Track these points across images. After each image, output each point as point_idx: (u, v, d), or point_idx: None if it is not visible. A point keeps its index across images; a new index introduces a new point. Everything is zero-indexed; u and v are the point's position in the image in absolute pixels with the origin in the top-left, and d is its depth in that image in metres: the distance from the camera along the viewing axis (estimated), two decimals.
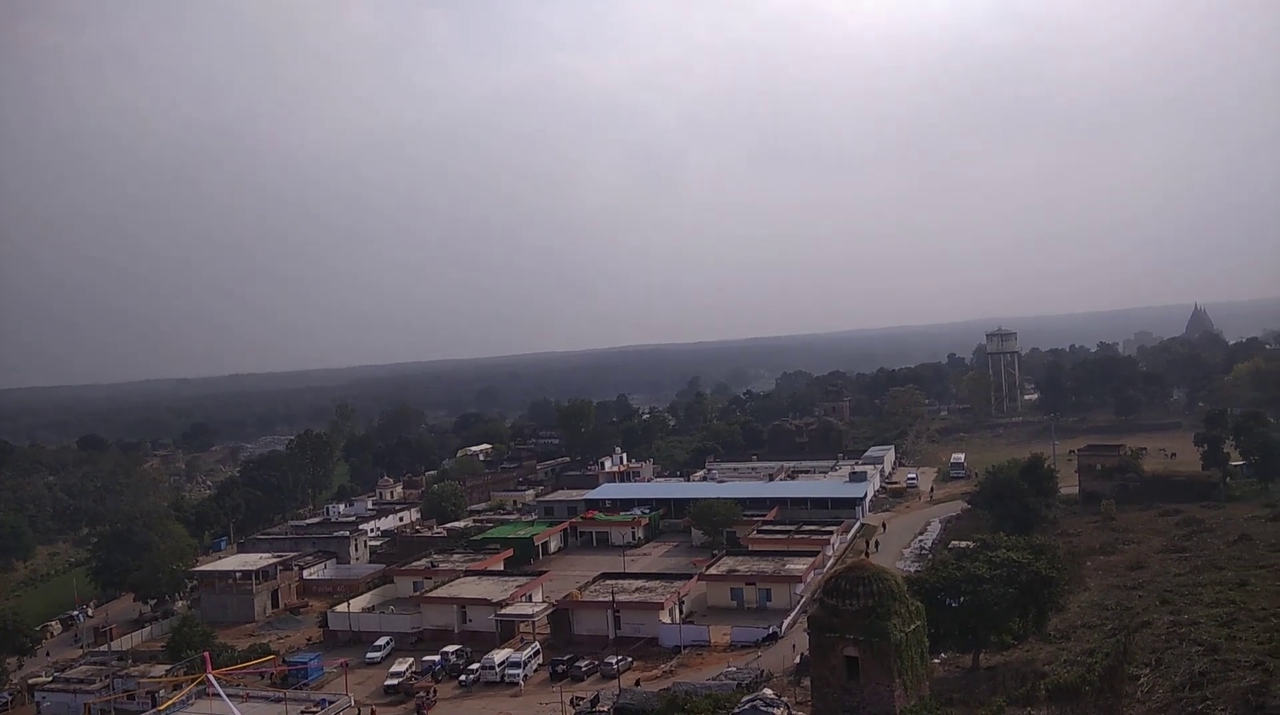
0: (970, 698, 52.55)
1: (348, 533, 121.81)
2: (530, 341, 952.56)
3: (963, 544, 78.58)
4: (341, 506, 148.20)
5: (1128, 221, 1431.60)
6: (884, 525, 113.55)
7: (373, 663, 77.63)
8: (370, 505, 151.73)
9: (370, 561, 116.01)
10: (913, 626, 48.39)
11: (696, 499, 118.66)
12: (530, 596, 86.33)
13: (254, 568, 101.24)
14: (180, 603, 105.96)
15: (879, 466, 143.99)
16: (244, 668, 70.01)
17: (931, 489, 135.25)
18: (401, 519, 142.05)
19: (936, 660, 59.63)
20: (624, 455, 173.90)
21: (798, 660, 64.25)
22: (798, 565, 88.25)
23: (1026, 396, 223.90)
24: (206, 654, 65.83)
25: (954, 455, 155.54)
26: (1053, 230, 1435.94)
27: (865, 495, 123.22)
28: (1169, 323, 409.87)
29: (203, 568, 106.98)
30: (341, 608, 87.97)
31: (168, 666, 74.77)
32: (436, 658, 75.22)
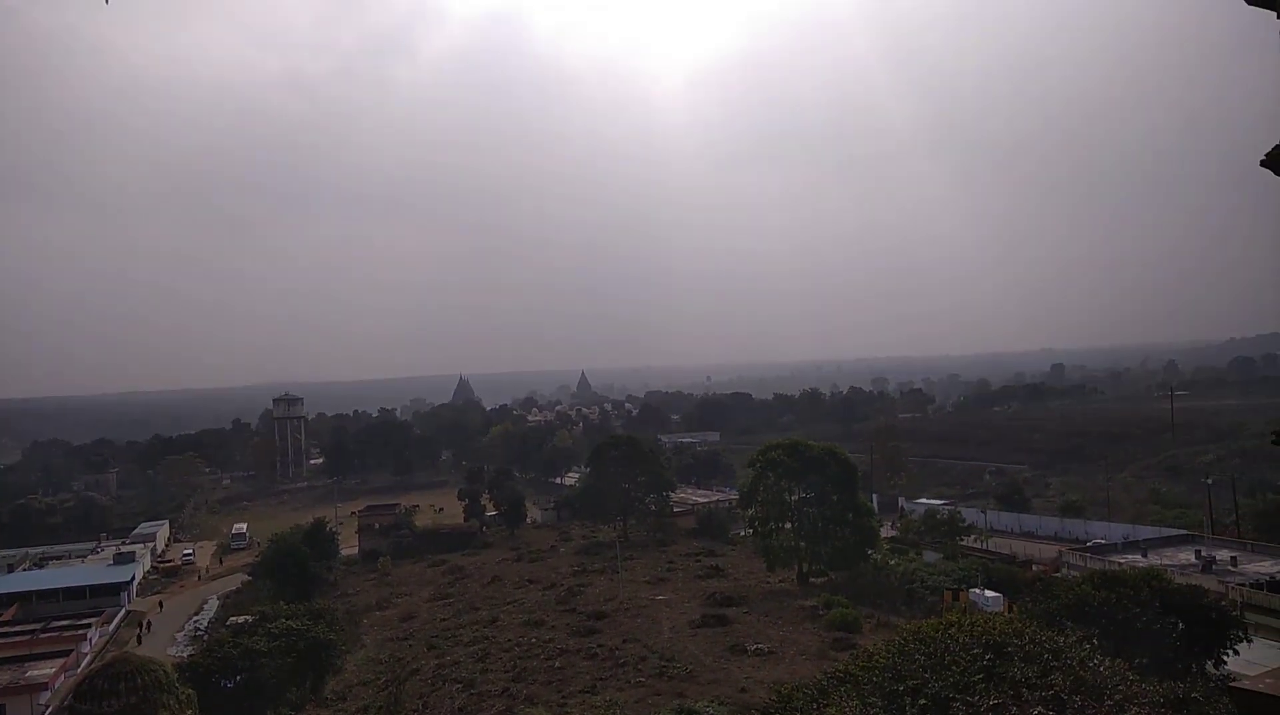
0: None
1: None
2: None
3: (241, 619, 74.72)
4: None
5: (401, 298, 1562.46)
6: (161, 605, 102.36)
7: None
8: None
9: None
10: None
11: None
12: None
13: None
14: None
15: (150, 544, 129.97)
16: None
17: (221, 561, 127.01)
18: None
19: None
20: None
21: None
22: (43, 670, 73.40)
23: (313, 461, 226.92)
24: None
25: (236, 525, 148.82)
26: (340, 302, 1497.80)
27: (133, 578, 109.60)
28: (440, 390, 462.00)
29: None
30: None
31: None
32: None
